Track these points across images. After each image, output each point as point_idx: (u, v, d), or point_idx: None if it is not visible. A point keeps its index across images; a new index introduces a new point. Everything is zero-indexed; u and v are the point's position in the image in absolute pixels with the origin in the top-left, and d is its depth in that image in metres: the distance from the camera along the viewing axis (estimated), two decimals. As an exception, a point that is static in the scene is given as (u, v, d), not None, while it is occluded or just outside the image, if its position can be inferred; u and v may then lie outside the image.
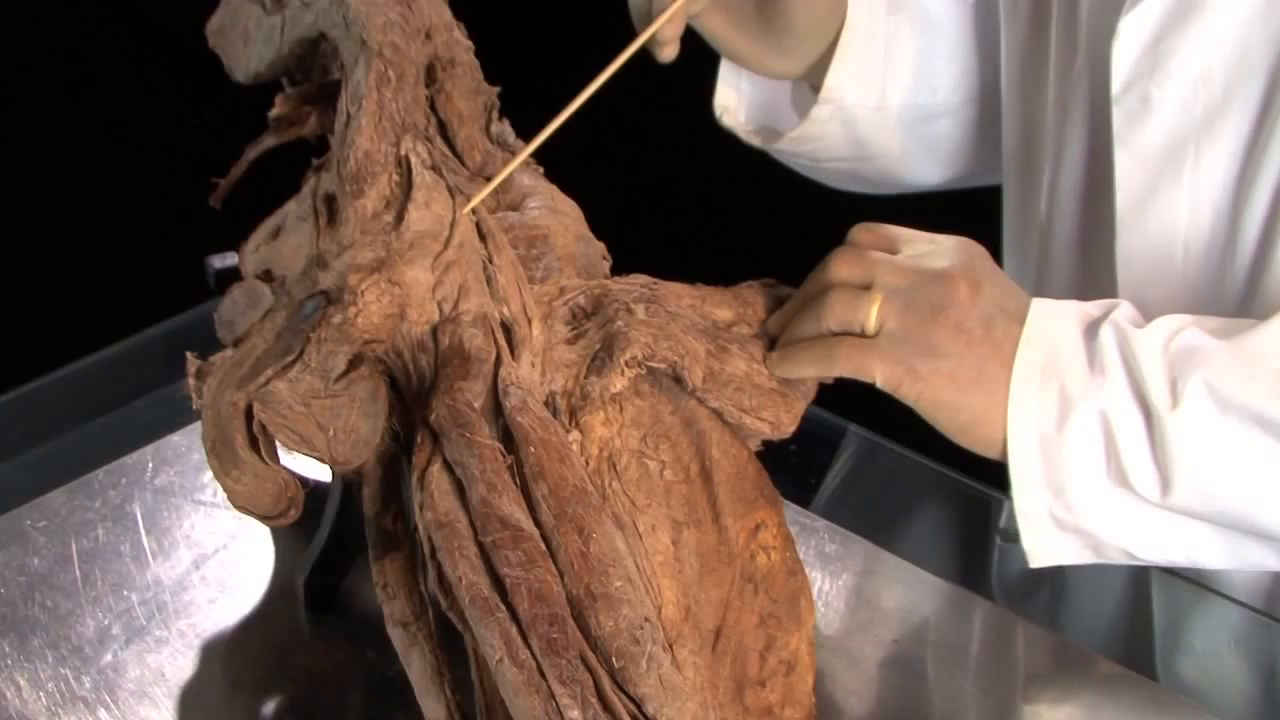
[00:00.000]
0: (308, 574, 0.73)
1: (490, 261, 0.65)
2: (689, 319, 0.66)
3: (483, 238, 0.66)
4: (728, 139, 0.92)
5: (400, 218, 0.65)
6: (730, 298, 0.69)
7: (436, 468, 0.57)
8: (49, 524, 0.78)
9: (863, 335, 0.65)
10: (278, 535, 0.77)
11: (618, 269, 0.72)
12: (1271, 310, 0.66)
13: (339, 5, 0.71)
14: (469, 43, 0.77)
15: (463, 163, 0.74)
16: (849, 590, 0.76)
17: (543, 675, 0.52)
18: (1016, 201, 0.91)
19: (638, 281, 0.68)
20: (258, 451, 0.61)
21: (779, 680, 0.63)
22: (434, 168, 0.68)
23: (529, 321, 0.64)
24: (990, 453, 0.66)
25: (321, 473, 0.71)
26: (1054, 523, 0.66)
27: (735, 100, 0.92)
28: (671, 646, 0.57)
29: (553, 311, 0.66)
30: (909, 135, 0.90)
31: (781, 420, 0.67)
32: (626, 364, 0.62)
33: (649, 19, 0.77)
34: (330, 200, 0.68)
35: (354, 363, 0.61)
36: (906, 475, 0.86)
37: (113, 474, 0.81)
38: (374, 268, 0.62)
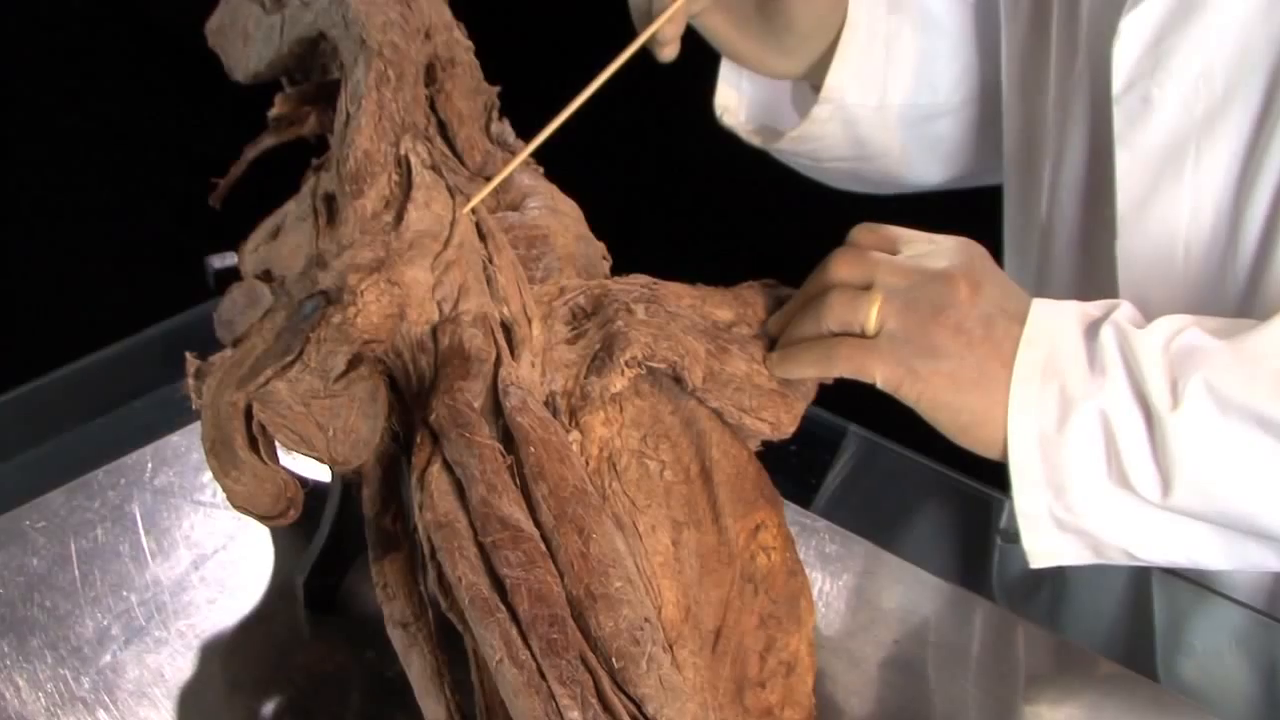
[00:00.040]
0: (307, 574, 0.73)
1: (490, 261, 0.65)
2: (689, 319, 0.66)
3: (482, 237, 0.66)
4: (728, 139, 0.92)
5: (400, 217, 0.65)
6: (730, 298, 0.69)
7: (436, 468, 0.57)
8: (48, 524, 0.78)
9: (863, 336, 0.65)
10: (277, 535, 0.77)
11: (618, 269, 0.72)
12: (1272, 310, 0.66)
13: (338, 4, 0.71)
14: (469, 42, 0.77)
15: (462, 162, 0.74)
16: (849, 591, 0.76)
17: (543, 676, 0.52)
18: (1017, 201, 0.91)
19: (638, 281, 0.68)
20: (257, 452, 0.61)
21: (779, 681, 0.63)
22: (434, 167, 0.68)
23: (529, 321, 0.64)
24: (990, 453, 0.66)
25: (321, 473, 0.71)
26: (1054, 523, 0.66)
27: (736, 100, 0.92)
28: (672, 647, 0.57)
29: (553, 311, 0.66)
30: (910, 135, 0.90)
31: (781, 421, 0.67)
32: (626, 364, 0.62)
33: (649, 18, 0.77)
34: (330, 200, 0.68)
35: (353, 363, 0.61)
36: (907, 475, 0.86)
37: (112, 474, 0.81)
38: (373, 268, 0.62)
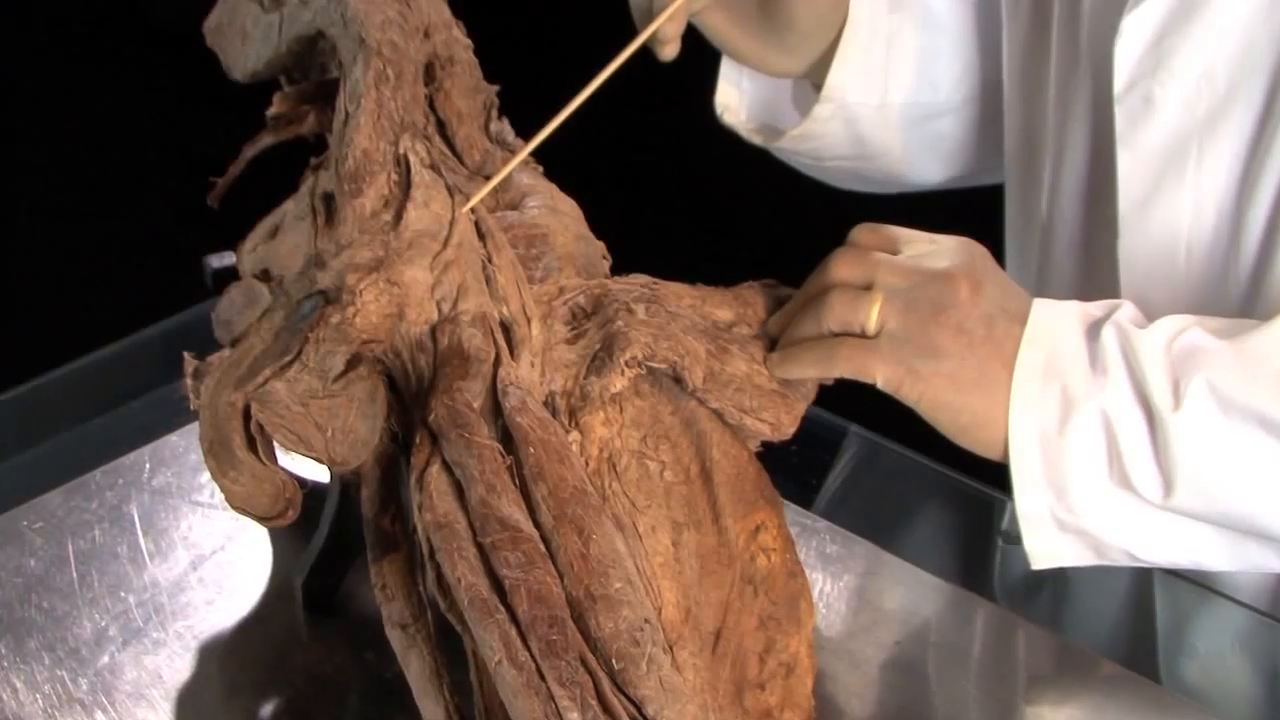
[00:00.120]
0: (306, 575, 0.72)
1: (489, 261, 0.65)
2: (689, 319, 0.66)
3: (482, 237, 0.66)
4: (729, 138, 0.92)
5: (399, 217, 0.65)
6: (731, 298, 0.69)
7: (435, 468, 0.57)
8: (46, 525, 0.77)
9: (863, 336, 0.65)
10: (275, 536, 0.77)
11: (618, 269, 0.72)
12: (1275, 310, 0.66)
13: (337, 3, 0.71)
14: (468, 41, 0.77)
15: (462, 162, 0.73)
16: (850, 591, 0.76)
17: (542, 677, 0.51)
18: (1018, 201, 0.91)
19: (638, 281, 0.68)
20: (255, 452, 0.61)
21: (778, 682, 0.63)
22: (433, 166, 0.68)
23: (528, 321, 0.64)
24: (991, 454, 0.66)
25: (320, 473, 0.71)
26: (1055, 524, 0.65)
27: (736, 98, 0.92)
28: (672, 648, 0.57)
29: (552, 311, 0.66)
30: (911, 134, 0.90)
31: (782, 421, 0.67)
32: (626, 364, 0.62)
33: (650, 17, 0.76)
34: (328, 199, 0.68)
35: (352, 363, 0.61)
36: (908, 476, 0.86)
37: (110, 475, 0.81)
38: (372, 267, 0.62)
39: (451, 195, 0.67)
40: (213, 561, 0.76)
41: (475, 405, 0.59)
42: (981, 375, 0.64)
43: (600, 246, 0.73)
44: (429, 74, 0.74)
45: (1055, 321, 0.65)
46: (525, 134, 0.74)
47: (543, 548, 0.55)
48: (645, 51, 0.75)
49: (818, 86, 0.87)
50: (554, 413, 0.61)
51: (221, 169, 0.79)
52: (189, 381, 0.64)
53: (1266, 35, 0.71)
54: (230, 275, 0.73)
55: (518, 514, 0.55)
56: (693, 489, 0.63)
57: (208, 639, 0.71)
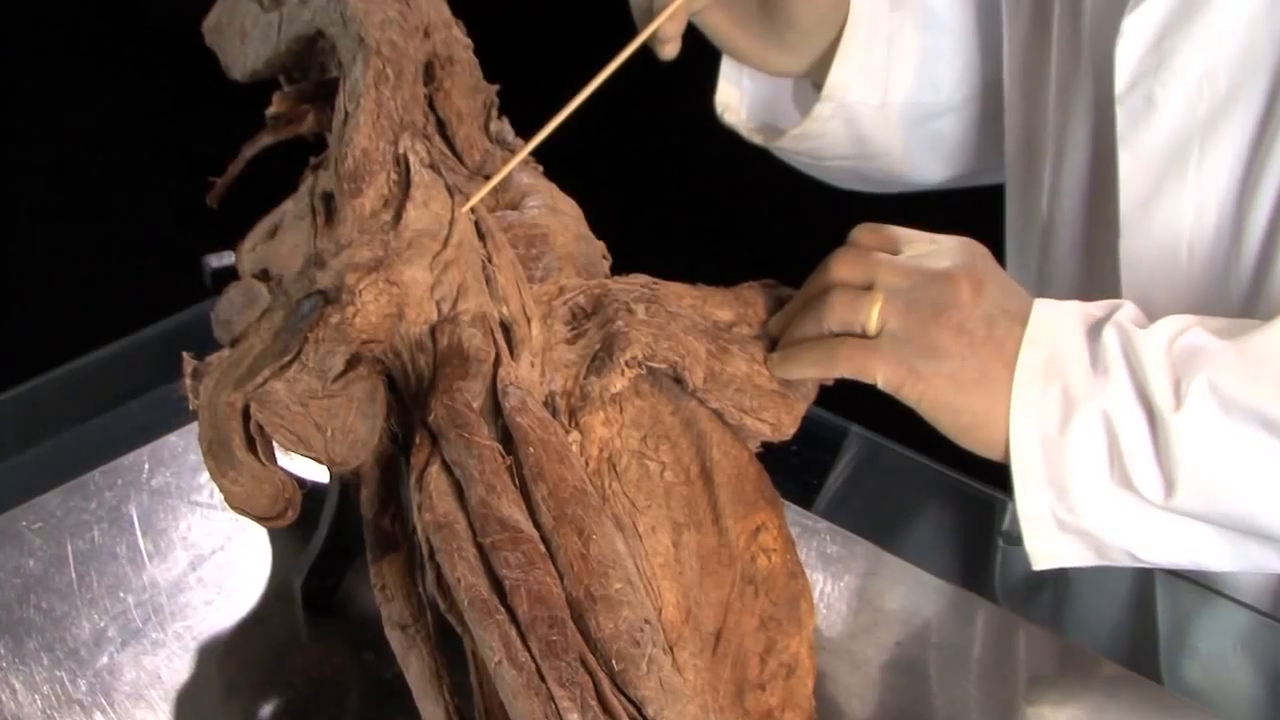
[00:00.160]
0: (305, 576, 0.72)
1: (489, 261, 0.65)
2: (690, 319, 0.66)
3: (481, 237, 0.66)
4: (729, 137, 0.92)
5: (398, 217, 0.65)
6: (731, 298, 0.69)
7: (435, 469, 0.57)
8: (44, 525, 0.77)
9: (864, 336, 0.64)
10: (275, 537, 0.77)
11: (618, 269, 0.72)
12: (1276, 310, 0.66)
13: (337, 2, 0.70)
14: (468, 40, 0.76)
15: (461, 161, 0.73)
16: (851, 592, 0.76)
17: (542, 678, 0.51)
18: (1018, 200, 0.91)
19: (638, 281, 0.67)
20: (255, 452, 0.61)
21: (779, 683, 0.63)
22: (432, 166, 0.68)
23: (528, 321, 0.63)
24: (992, 454, 0.66)
25: (319, 474, 0.71)
26: (1056, 524, 0.65)
27: (737, 98, 0.91)
28: (672, 649, 0.57)
29: (552, 311, 0.65)
30: (911, 133, 0.90)
31: (782, 421, 0.67)
32: (627, 364, 0.62)
33: (650, 16, 0.76)
34: (328, 199, 0.68)
35: (352, 363, 0.61)
36: (908, 476, 0.86)
37: (109, 475, 0.81)
38: (372, 267, 0.62)
39: (451, 195, 0.66)
40: (212, 562, 0.76)
41: (475, 405, 0.59)
42: (982, 375, 0.64)
43: (600, 246, 0.73)
44: (429, 73, 0.74)
45: (1056, 321, 0.65)
46: (525, 133, 0.74)
47: (543, 548, 0.55)
48: (645, 51, 0.75)
49: (818, 86, 0.87)
50: (554, 413, 0.61)
51: (220, 168, 0.79)
52: (188, 381, 0.64)
53: (1268, 35, 0.71)
54: (229, 275, 0.73)
55: (518, 514, 0.55)
56: (693, 489, 0.62)
57: (207, 640, 0.71)
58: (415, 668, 0.57)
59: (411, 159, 0.67)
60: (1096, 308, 0.66)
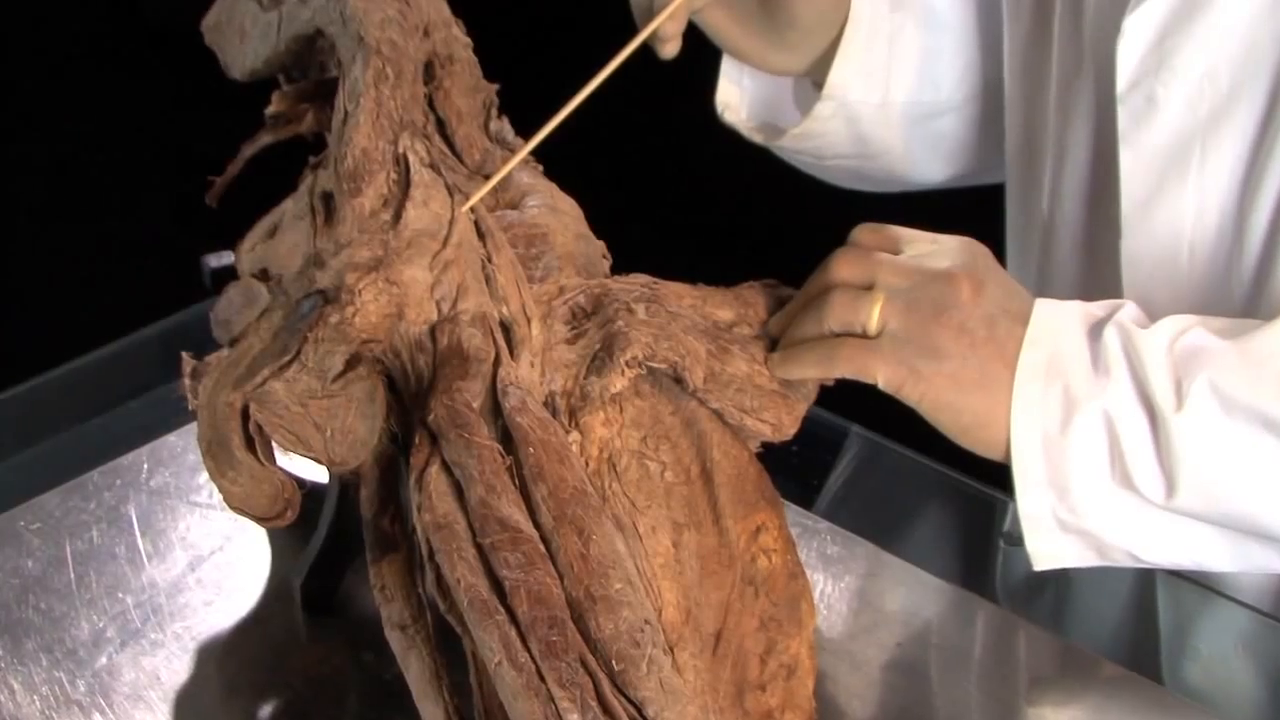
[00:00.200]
0: (304, 576, 0.72)
1: (489, 260, 0.65)
2: (690, 319, 0.66)
3: (481, 236, 0.66)
4: (729, 137, 0.92)
5: (398, 216, 0.64)
6: (731, 298, 0.69)
7: (435, 469, 0.57)
8: (43, 525, 0.77)
9: (864, 336, 0.64)
10: (274, 537, 0.77)
11: (618, 268, 0.72)
12: (1278, 311, 0.66)
13: (336, 1, 0.70)
14: (467, 39, 0.76)
15: (461, 161, 0.73)
16: (851, 592, 0.76)
17: (542, 678, 0.51)
18: (1019, 200, 0.91)
19: (638, 281, 0.67)
20: (254, 452, 0.61)
21: (779, 684, 0.63)
22: (432, 166, 0.68)
23: (528, 321, 0.63)
24: (993, 454, 0.65)
25: (318, 474, 0.71)
26: (1057, 524, 0.65)
27: (737, 97, 0.91)
28: (672, 649, 0.57)
29: (552, 311, 0.65)
30: (912, 132, 0.90)
31: (782, 422, 0.67)
32: (627, 364, 0.62)
33: (650, 15, 0.76)
34: (327, 198, 0.67)
35: (351, 363, 0.61)
36: (909, 476, 0.85)
37: (108, 475, 0.81)
38: (371, 267, 0.62)
39: (451, 194, 0.66)
40: (211, 562, 0.75)
41: (475, 405, 0.58)
42: (983, 375, 0.64)
43: (600, 246, 0.73)
44: (428, 72, 0.73)
45: (1057, 321, 0.65)
46: (525, 133, 0.74)
47: (542, 548, 0.54)
48: (646, 50, 0.75)
49: (819, 85, 0.86)
50: (554, 413, 0.61)
51: (220, 168, 0.79)
52: (187, 381, 0.64)
53: (1270, 35, 0.71)
54: (229, 275, 0.73)
55: (517, 515, 0.55)
56: (693, 489, 0.62)
57: (206, 640, 0.71)
58: (415, 668, 0.57)
59: (411, 158, 0.67)
60: (1098, 308, 0.66)
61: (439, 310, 0.62)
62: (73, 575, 0.74)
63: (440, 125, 0.74)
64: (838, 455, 0.86)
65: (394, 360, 0.62)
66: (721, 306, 0.68)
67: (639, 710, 0.52)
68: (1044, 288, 0.87)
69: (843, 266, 0.66)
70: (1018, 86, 0.87)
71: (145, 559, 0.75)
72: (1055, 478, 0.64)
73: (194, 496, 0.80)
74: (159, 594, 0.73)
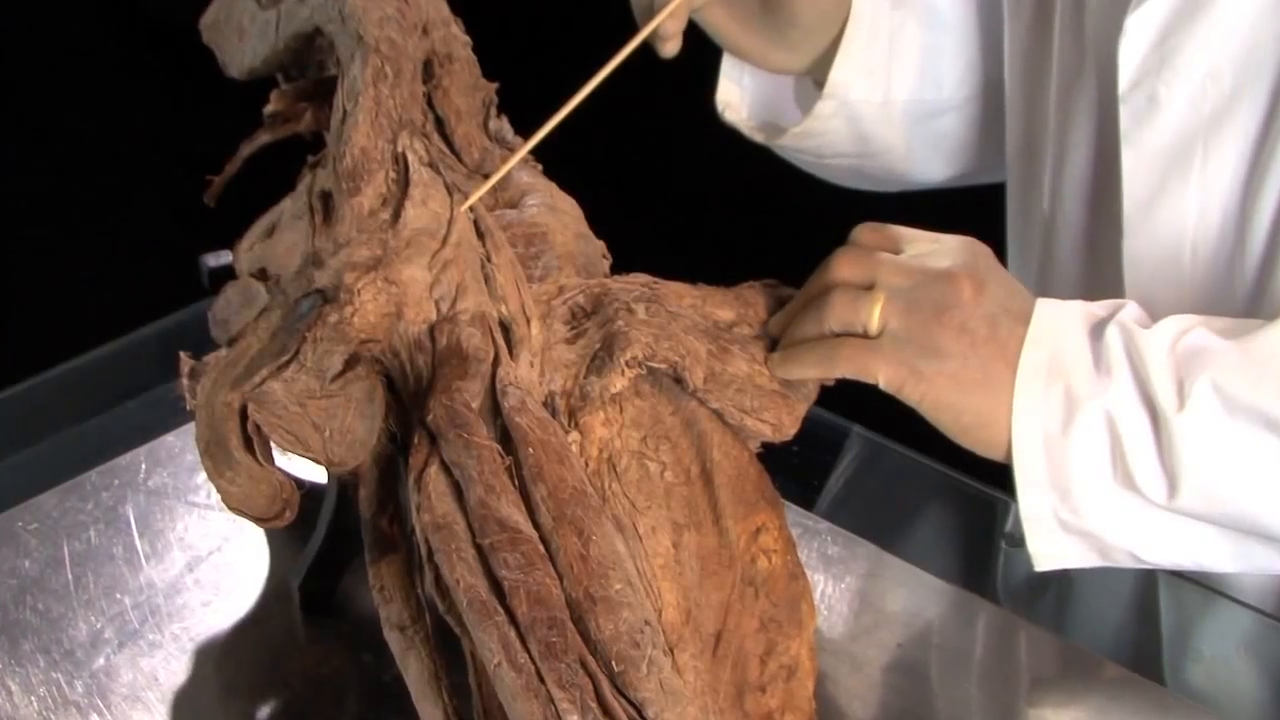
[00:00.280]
0: (303, 577, 0.72)
1: (488, 260, 0.65)
2: (690, 319, 0.65)
3: (480, 236, 0.66)
4: (730, 136, 0.92)
5: (397, 215, 0.64)
6: (731, 298, 0.69)
7: (434, 469, 0.57)
8: (40, 526, 0.77)
9: (865, 336, 0.64)
10: (272, 537, 0.77)
11: (618, 268, 0.72)
12: (1280, 310, 0.65)
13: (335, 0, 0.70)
14: (467, 38, 0.76)
15: (460, 160, 0.73)
16: (852, 593, 0.76)
17: (541, 679, 0.51)
18: (1019, 199, 0.91)
19: (638, 281, 0.67)
20: (252, 452, 0.61)
21: (779, 685, 0.62)
22: (431, 165, 0.68)
23: (528, 321, 0.63)
24: (994, 454, 0.65)
25: (317, 474, 0.70)
26: (1059, 525, 0.65)
27: (738, 96, 0.91)
28: (672, 650, 0.56)
29: (552, 310, 0.65)
30: (913, 131, 0.90)
31: (783, 422, 0.67)
32: (627, 364, 0.62)
33: (651, 13, 0.76)
34: (326, 198, 0.67)
35: (350, 363, 0.61)
36: (910, 477, 0.85)
37: (105, 475, 0.81)
38: (370, 266, 0.62)
39: (450, 193, 0.66)
40: (209, 563, 0.75)
41: (474, 405, 0.58)
42: (984, 375, 0.64)
43: (600, 245, 0.73)
44: (427, 71, 0.73)
45: (1059, 321, 0.65)
46: (524, 132, 0.74)
47: (542, 549, 0.54)
48: (646, 49, 0.75)
49: (820, 84, 0.86)
50: (553, 413, 0.61)
51: (218, 167, 0.79)
52: (185, 381, 0.64)
53: (1272, 34, 0.70)
54: (227, 274, 0.72)
55: (517, 515, 0.55)
56: (693, 490, 0.62)
57: (204, 641, 0.70)
58: (414, 669, 0.57)
59: (410, 157, 0.66)
60: (1099, 307, 0.66)
61: (438, 310, 0.62)
62: (70, 576, 0.74)
63: (439, 124, 0.74)
64: (838, 455, 0.86)
65: (393, 360, 0.62)
66: (721, 306, 0.68)
67: (639, 711, 0.52)
68: (1045, 288, 0.87)
69: (843, 266, 0.66)
70: (1019, 85, 0.87)
71: (143, 559, 0.75)
72: (1057, 478, 0.64)
73: (192, 497, 0.80)
74: (157, 595, 0.73)
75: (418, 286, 0.62)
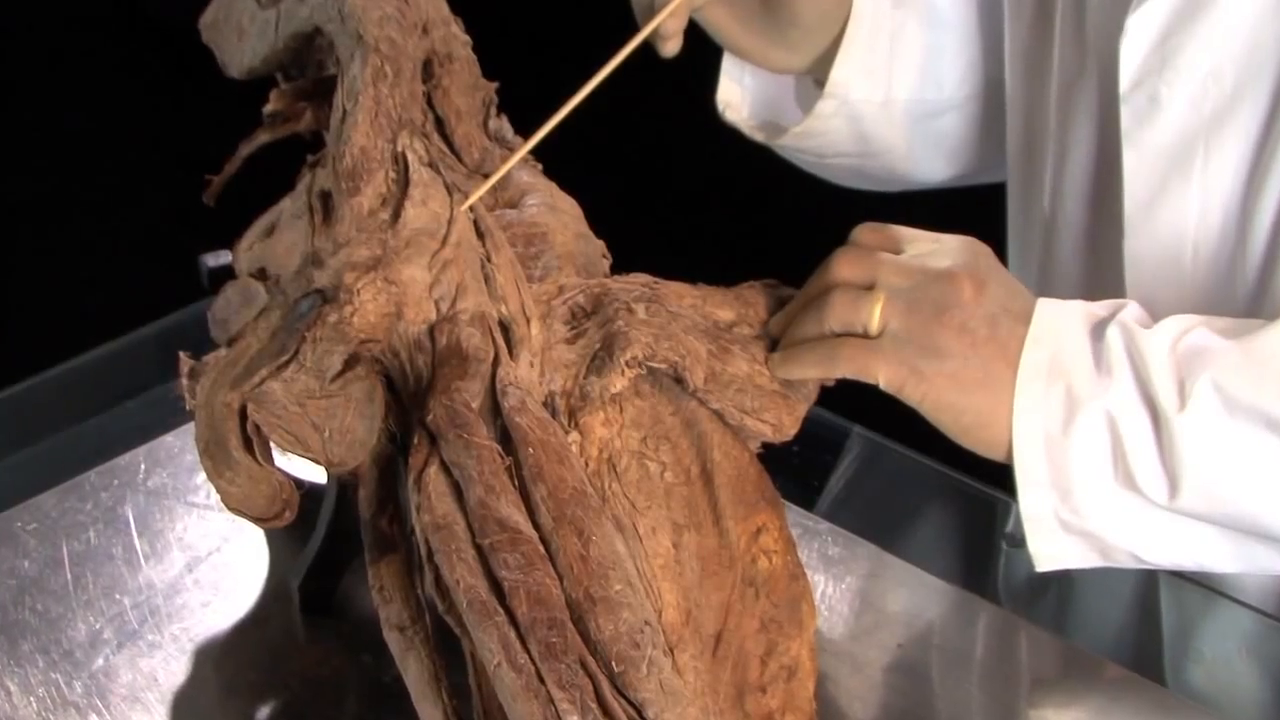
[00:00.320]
0: (302, 577, 0.72)
1: (488, 260, 0.65)
2: (690, 319, 0.65)
3: (480, 235, 0.66)
4: (730, 135, 0.92)
5: (397, 215, 0.64)
6: (732, 298, 0.69)
7: (434, 469, 0.57)
8: (39, 526, 0.77)
9: (865, 336, 0.64)
10: (272, 538, 0.77)
11: (618, 268, 0.72)
12: (1282, 310, 0.65)
13: (335, -1, 0.70)
14: (466, 37, 0.76)
15: (460, 159, 0.73)
16: (853, 594, 0.76)
17: (541, 680, 0.51)
18: (1020, 199, 0.91)
19: (638, 281, 0.67)
20: (252, 453, 0.61)
21: (780, 686, 0.62)
22: (431, 164, 0.67)
23: (527, 321, 0.63)
24: (995, 454, 0.65)
25: (316, 474, 0.70)
26: (1060, 525, 0.65)
27: (738, 95, 0.91)
28: (672, 651, 0.56)
29: (552, 310, 0.65)
30: (914, 131, 0.90)
31: (783, 422, 0.66)
32: (627, 364, 0.62)
33: (651, 13, 0.76)
34: (326, 197, 0.67)
35: (350, 363, 0.61)
36: (911, 477, 0.85)
37: (105, 475, 0.81)
38: (370, 266, 0.62)
39: (450, 193, 0.66)
40: (208, 563, 0.75)
41: (474, 405, 0.58)
42: (985, 375, 0.64)
43: (600, 245, 0.73)
44: (427, 71, 0.73)
45: (1059, 321, 0.65)
46: (524, 131, 0.74)
47: (542, 549, 0.54)
48: (646, 48, 0.75)
49: (820, 83, 0.86)
50: (553, 413, 0.61)
51: (217, 167, 0.78)
52: (184, 381, 0.64)
53: (1273, 34, 0.70)
54: (226, 274, 0.72)
55: (517, 515, 0.55)
56: (693, 490, 0.62)
57: (203, 641, 0.70)
58: (414, 670, 0.57)
59: (410, 157, 0.66)
60: (1100, 307, 0.66)
61: (438, 310, 0.62)
62: (69, 576, 0.74)
63: (439, 124, 0.74)
64: (839, 456, 0.86)
65: (392, 360, 0.62)
66: (722, 306, 0.68)
67: (639, 712, 0.52)
68: (1046, 287, 0.87)
69: (844, 266, 0.66)
70: (1019, 85, 0.87)
71: (142, 560, 0.75)
72: (1057, 478, 0.64)
73: (191, 497, 0.80)
74: (156, 595, 0.73)
75: (417, 286, 0.62)
